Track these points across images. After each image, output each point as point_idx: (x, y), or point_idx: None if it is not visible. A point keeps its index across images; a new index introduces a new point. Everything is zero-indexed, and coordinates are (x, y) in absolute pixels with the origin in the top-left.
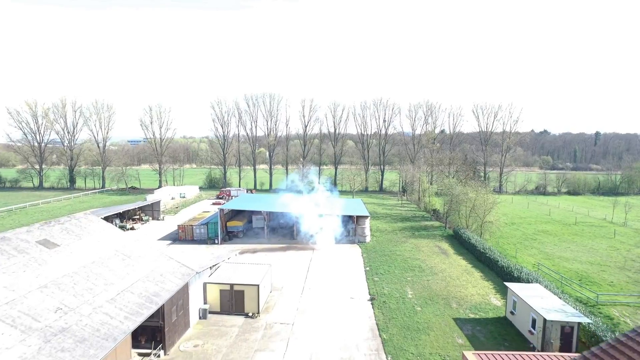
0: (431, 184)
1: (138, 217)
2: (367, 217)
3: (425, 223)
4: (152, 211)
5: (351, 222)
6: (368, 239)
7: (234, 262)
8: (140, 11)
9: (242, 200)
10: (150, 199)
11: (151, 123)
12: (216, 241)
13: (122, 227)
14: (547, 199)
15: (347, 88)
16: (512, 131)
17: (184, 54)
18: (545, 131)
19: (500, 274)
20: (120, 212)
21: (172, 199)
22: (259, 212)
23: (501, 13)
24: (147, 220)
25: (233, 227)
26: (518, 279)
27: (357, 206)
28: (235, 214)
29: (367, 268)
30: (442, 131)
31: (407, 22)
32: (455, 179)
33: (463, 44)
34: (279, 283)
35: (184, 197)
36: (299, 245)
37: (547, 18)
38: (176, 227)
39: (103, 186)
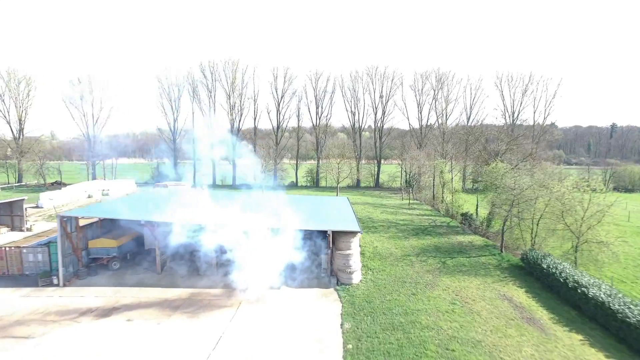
0: (453, 174)
1: None
2: (355, 233)
3: (459, 239)
4: (11, 216)
5: (323, 242)
6: (356, 277)
7: None
8: None
9: (124, 203)
10: (46, 197)
11: (81, 99)
12: (55, 280)
13: None
14: (601, 196)
15: (333, 54)
16: (548, 108)
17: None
18: (552, 124)
19: None
20: None
21: (89, 197)
22: (157, 224)
23: None
24: None
25: (101, 251)
26: None
27: (338, 210)
28: (119, 225)
29: None
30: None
31: None
32: (507, 163)
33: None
34: None
35: (107, 194)
36: (212, 293)
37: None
38: None
39: (19, 181)
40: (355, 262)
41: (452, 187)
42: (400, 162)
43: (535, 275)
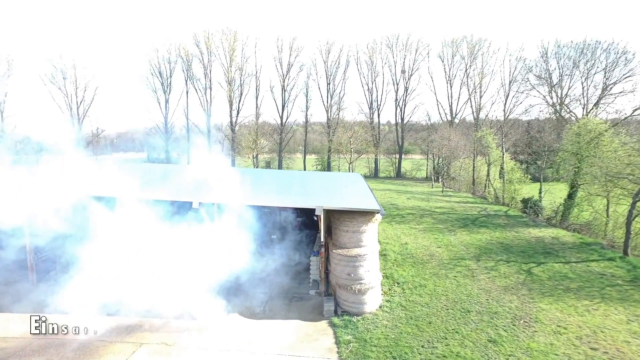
0: (504, 147)
1: None
2: (370, 215)
3: (532, 232)
4: None
5: (308, 234)
6: (373, 300)
7: None
8: None
9: None
10: None
11: (64, 79)
12: None
13: None
14: None
15: (346, 21)
16: (611, 79)
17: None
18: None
19: None
20: None
21: None
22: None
23: None
24: None
25: None
26: None
27: (344, 185)
28: None
29: None
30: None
31: None
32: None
33: None
34: None
35: None
36: (92, 331)
37: None
38: None
39: None
40: (372, 271)
41: (505, 164)
42: (426, 148)
43: None
